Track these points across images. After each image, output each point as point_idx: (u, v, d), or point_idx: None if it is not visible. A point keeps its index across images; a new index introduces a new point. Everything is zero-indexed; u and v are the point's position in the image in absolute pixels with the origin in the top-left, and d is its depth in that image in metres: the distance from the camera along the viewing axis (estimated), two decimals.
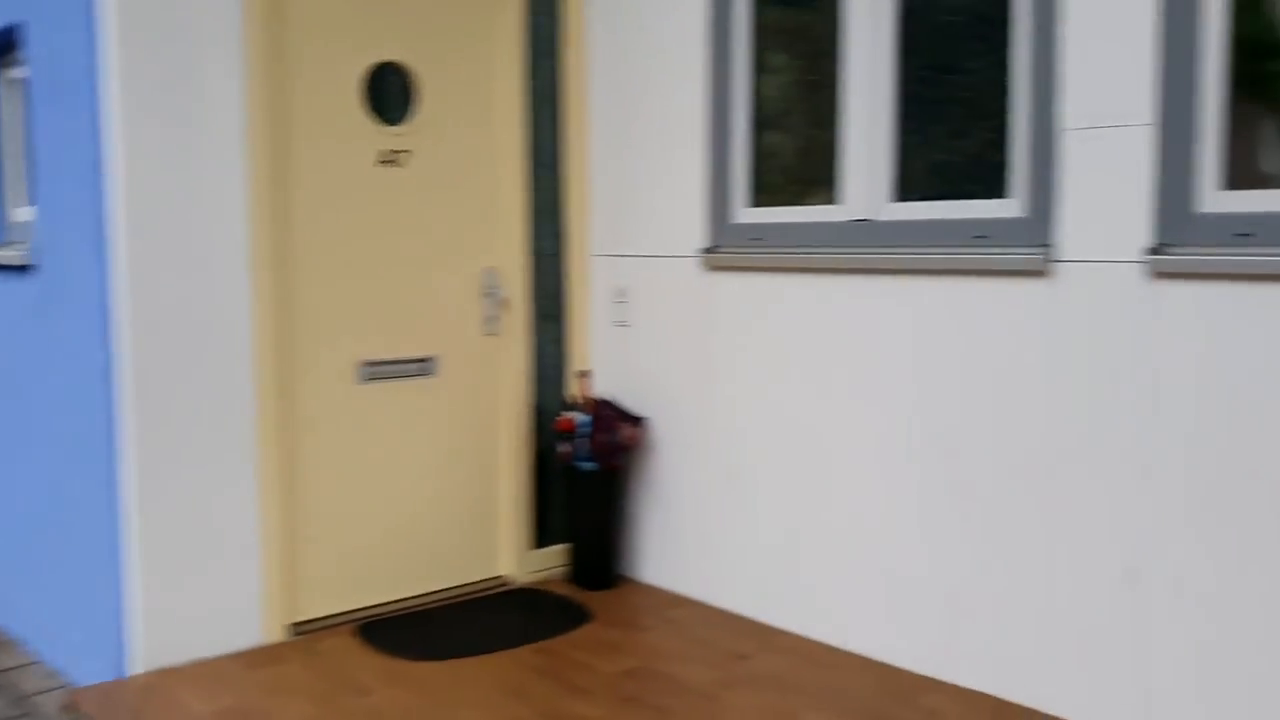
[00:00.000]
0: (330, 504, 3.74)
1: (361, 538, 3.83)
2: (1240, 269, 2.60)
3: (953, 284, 3.17)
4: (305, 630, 3.68)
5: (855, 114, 3.40)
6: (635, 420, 4.06)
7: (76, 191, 3.43)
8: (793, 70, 3.78)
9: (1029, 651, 3.06)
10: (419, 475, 3.96)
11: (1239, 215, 2.63)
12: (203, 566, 3.43)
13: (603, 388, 4.29)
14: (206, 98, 3.36)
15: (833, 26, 3.45)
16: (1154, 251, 2.75)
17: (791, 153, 3.79)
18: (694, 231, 3.89)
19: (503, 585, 4.15)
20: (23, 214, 4.25)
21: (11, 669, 3.86)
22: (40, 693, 3.62)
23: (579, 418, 4.06)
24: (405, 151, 3.85)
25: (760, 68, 3.74)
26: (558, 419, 4.15)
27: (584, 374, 4.23)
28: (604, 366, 4.29)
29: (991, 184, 3.12)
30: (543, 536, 4.27)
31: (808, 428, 3.58)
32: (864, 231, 3.40)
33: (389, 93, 3.82)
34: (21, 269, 3.93)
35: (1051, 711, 3.02)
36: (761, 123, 3.75)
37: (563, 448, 4.11)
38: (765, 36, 3.72)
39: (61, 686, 3.62)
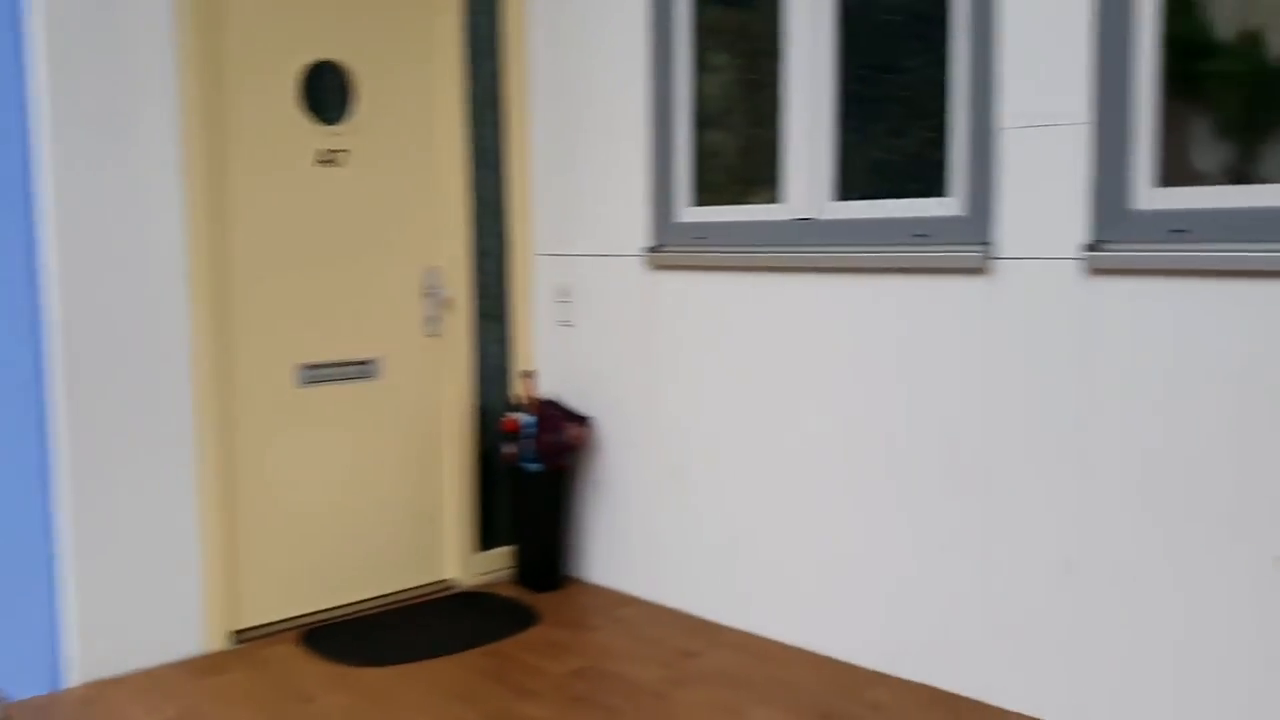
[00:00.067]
0: (272, 509, 3.69)
1: (304, 543, 3.78)
2: (1175, 265, 2.66)
3: (894, 282, 3.20)
4: (248, 638, 3.62)
5: (796, 113, 3.42)
6: (580, 420, 4.05)
7: (3, 192, 3.34)
8: (734, 69, 3.80)
9: (971, 643, 3.10)
10: (361, 479, 3.92)
11: (1173, 212, 2.69)
12: (141, 574, 3.36)
13: (547, 388, 4.28)
14: (139, 97, 3.29)
15: (773, 26, 3.47)
16: (1091, 248, 2.80)
17: (734, 152, 3.81)
18: (638, 230, 3.89)
19: (448, 589, 4.12)
20: None
21: None
22: None
23: (524, 418, 4.05)
24: (344, 151, 3.80)
25: (702, 67, 3.75)
26: (502, 420, 4.13)
27: (528, 374, 4.21)
28: (548, 366, 4.28)
29: (931, 183, 3.16)
30: (488, 539, 4.25)
31: (752, 426, 3.59)
32: (806, 230, 3.42)
33: (327, 92, 3.77)
34: None
35: (993, 702, 3.07)
36: (704, 122, 3.77)
37: (507, 449, 4.09)
38: (706, 36, 3.73)
39: None
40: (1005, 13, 2.91)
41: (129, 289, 3.30)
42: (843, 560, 3.38)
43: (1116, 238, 2.78)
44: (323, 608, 3.84)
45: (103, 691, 3.22)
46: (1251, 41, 2.66)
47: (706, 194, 3.76)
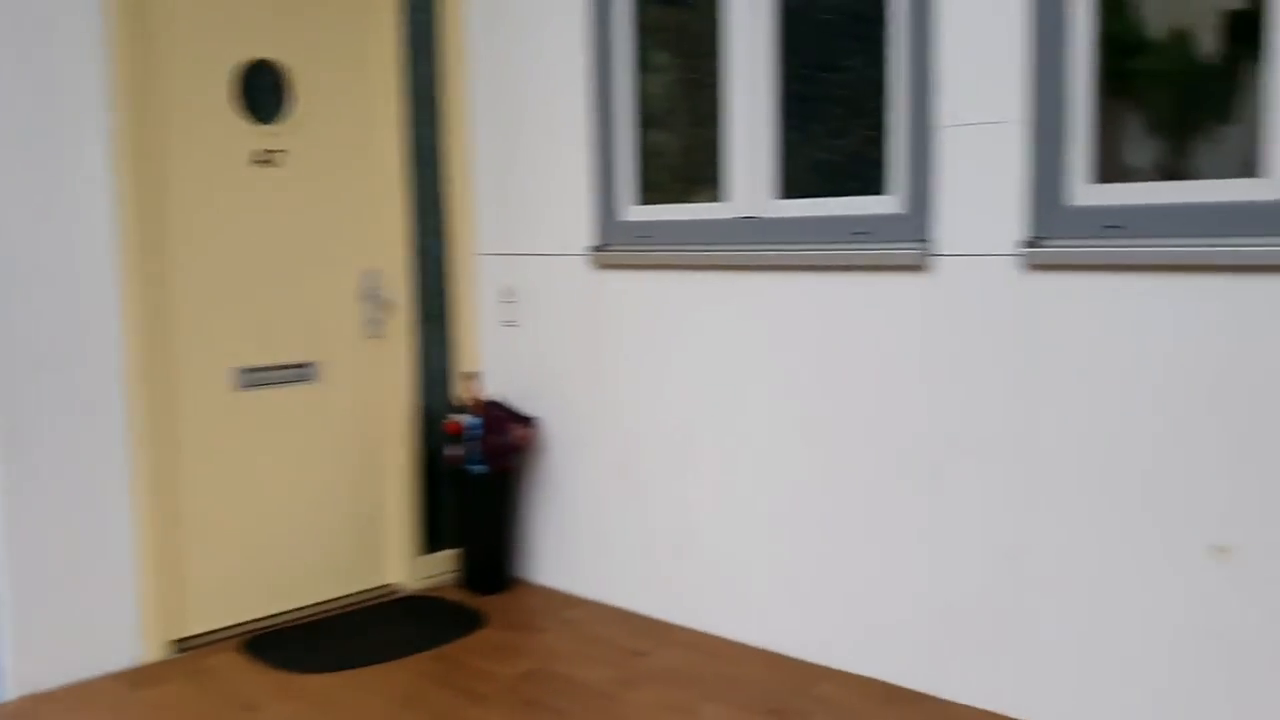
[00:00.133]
0: (211, 515, 3.63)
1: (245, 549, 3.72)
2: (1110, 260, 2.70)
3: (837, 279, 3.22)
4: (189, 647, 3.56)
5: (738, 112, 3.43)
6: (525, 421, 4.03)
7: None
8: (675, 69, 3.80)
9: (918, 636, 3.14)
10: (303, 484, 3.87)
11: (1108, 208, 2.73)
12: (76, 584, 3.28)
13: (492, 389, 4.25)
14: (66, 96, 3.21)
15: (713, 25, 3.47)
16: (1028, 245, 2.84)
17: (677, 151, 3.81)
18: (581, 229, 3.87)
19: (393, 593, 4.08)
20: None
21: None
22: None
23: (467, 420, 4.02)
24: (280, 151, 3.74)
25: (643, 66, 3.75)
26: (445, 422, 4.10)
27: (472, 375, 4.18)
28: (492, 367, 4.25)
29: (871, 181, 3.19)
30: (433, 542, 4.21)
31: (698, 424, 3.60)
32: (749, 229, 3.43)
33: (262, 91, 3.71)
34: None
35: (941, 695, 3.10)
36: (646, 121, 3.76)
37: (451, 451, 4.05)
38: (647, 35, 3.73)
39: None
40: (943, 12, 2.94)
41: (57, 294, 3.22)
42: (791, 556, 3.40)
43: (1053, 234, 2.82)
44: (265, 614, 3.78)
45: (36, 706, 3.14)
46: (1181, 40, 2.72)
47: (650, 193, 3.76)
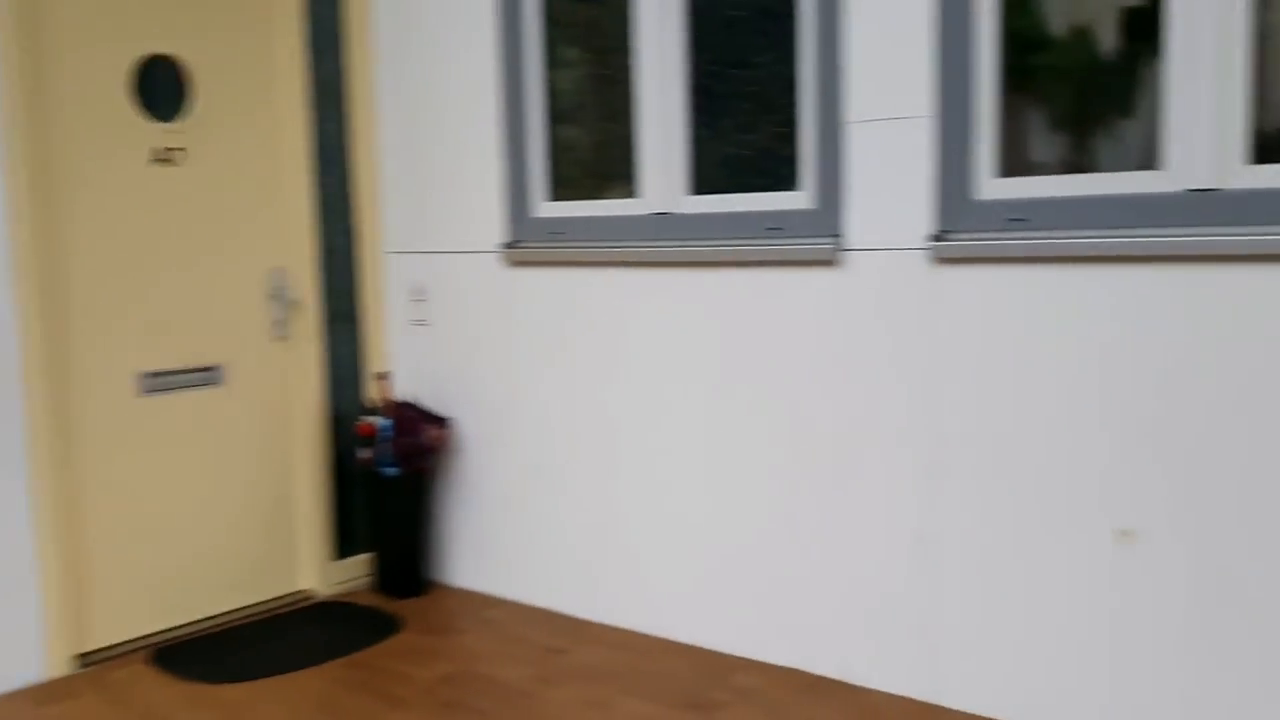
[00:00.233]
0: (116, 525, 3.52)
1: (152, 558, 3.62)
2: (1015, 252, 2.77)
3: (750, 275, 3.25)
4: (95, 660, 3.44)
5: (649, 108, 3.43)
6: (439, 421, 3.99)
7: None
8: (586, 64, 3.79)
9: (832, 624, 3.18)
10: (211, 490, 3.77)
11: (1012, 201, 2.80)
12: None
13: (404, 389, 4.19)
14: None
15: (622, 21, 3.47)
16: (936, 238, 2.89)
17: (588, 147, 3.80)
18: (493, 226, 3.84)
19: (306, 599, 4.00)
20: None
21: None
22: None
23: (379, 421, 3.96)
24: (180, 149, 3.64)
25: (553, 62, 3.73)
26: (357, 424, 4.04)
27: (383, 376, 4.12)
28: (404, 367, 4.20)
29: (783, 177, 3.22)
30: (346, 547, 4.14)
31: (613, 420, 3.60)
32: (663, 225, 3.44)
33: (160, 88, 3.61)
34: None
35: (856, 682, 3.15)
36: (557, 116, 3.75)
37: (363, 453, 3.99)
38: (556, 30, 3.71)
39: None
40: (850, 9, 2.98)
41: None
42: (707, 550, 3.42)
43: (960, 228, 2.88)
44: (175, 625, 3.68)
45: None
46: (1082, 37, 2.79)
47: (562, 189, 3.74)
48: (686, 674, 3.26)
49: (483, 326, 3.92)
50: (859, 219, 3.03)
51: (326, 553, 4.06)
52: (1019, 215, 2.79)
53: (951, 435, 2.92)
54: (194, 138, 3.67)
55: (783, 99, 3.19)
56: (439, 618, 3.80)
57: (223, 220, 3.77)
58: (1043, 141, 2.88)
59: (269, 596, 3.95)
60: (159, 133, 3.58)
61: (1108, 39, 2.77)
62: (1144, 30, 2.64)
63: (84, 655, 3.44)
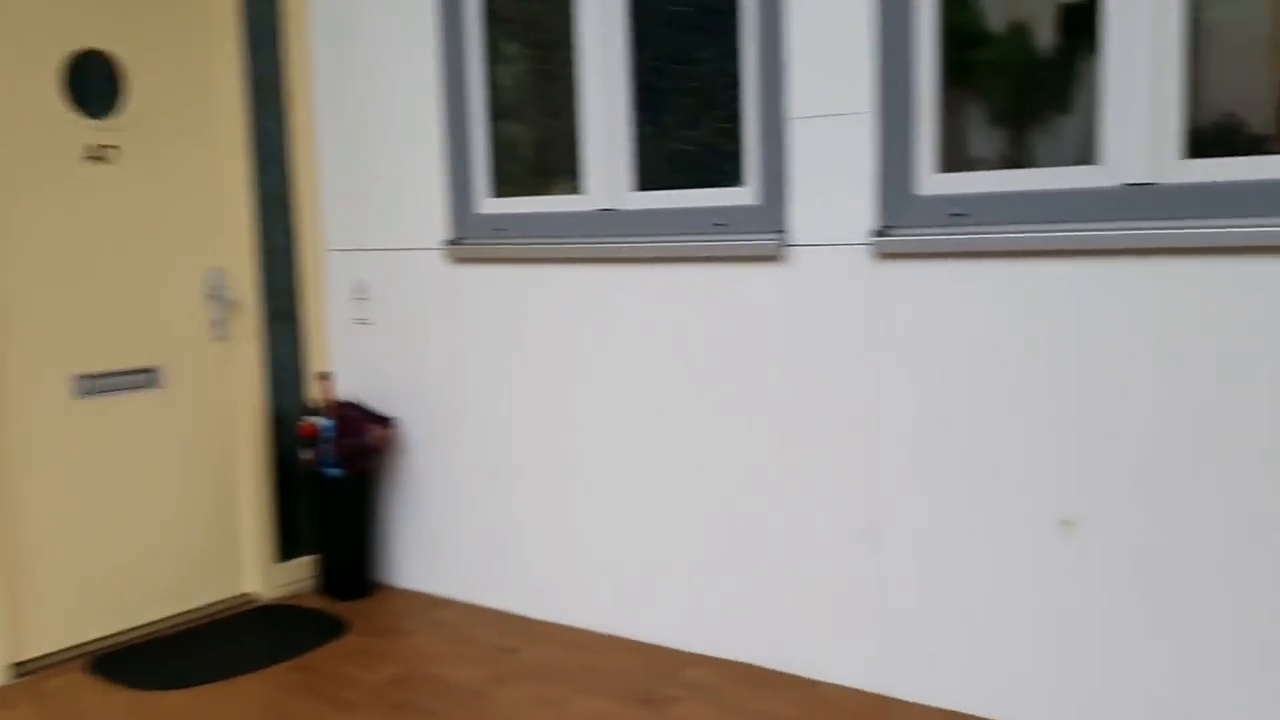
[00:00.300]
0: (52, 530, 3.44)
1: (90, 564, 3.54)
2: (955, 247, 2.81)
3: (696, 271, 3.26)
4: (31, 669, 3.37)
5: (592, 104, 3.43)
6: (383, 421, 3.95)
7: None
8: (528, 60, 3.77)
9: (779, 618, 3.20)
10: (150, 493, 3.70)
11: (953, 197, 2.83)
12: None
13: (346, 389, 4.15)
14: None
15: (565, 17, 3.46)
16: (878, 234, 2.92)
17: (532, 143, 3.79)
18: (435, 223, 3.81)
19: (249, 603, 3.95)
20: None
21: None
22: None
23: (321, 422, 3.91)
24: (114, 147, 3.57)
25: (495, 57, 3.70)
26: (299, 424, 3.99)
27: (325, 376, 4.07)
28: (346, 367, 4.15)
29: (727, 173, 3.23)
30: (290, 549, 4.09)
31: (560, 417, 3.59)
32: (608, 221, 3.43)
33: (93, 84, 3.53)
34: None
35: (805, 674, 3.17)
36: (500, 112, 3.73)
37: (305, 454, 3.94)
38: (498, 25, 3.69)
39: None
40: (791, 4, 3.00)
41: None
42: (656, 546, 3.43)
43: (902, 223, 2.91)
44: (114, 631, 3.61)
45: None
46: (1019, 32, 2.83)
47: (506, 185, 3.72)
48: (638, 670, 3.27)
49: (427, 325, 3.89)
50: (803, 215, 3.05)
51: (269, 555, 4.00)
52: (960, 210, 2.83)
53: (897, 429, 2.95)
54: (128, 135, 3.60)
55: (726, 95, 3.20)
56: (386, 619, 3.76)
57: (159, 219, 3.70)
58: (982, 137, 2.92)
59: (211, 600, 3.89)
60: (92, 130, 3.50)
61: (1045, 35, 2.81)
62: (1081, 26, 2.69)
63: (20, 664, 3.36)
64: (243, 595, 3.98)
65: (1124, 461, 2.64)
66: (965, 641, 2.91)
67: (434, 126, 3.76)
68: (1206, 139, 2.55)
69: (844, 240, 2.98)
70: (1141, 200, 2.57)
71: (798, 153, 3.04)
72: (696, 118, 3.34)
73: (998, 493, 2.82)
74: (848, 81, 2.93)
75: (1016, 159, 2.86)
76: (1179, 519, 2.58)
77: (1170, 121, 2.55)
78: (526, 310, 3.62)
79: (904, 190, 2.90)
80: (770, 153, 3.09)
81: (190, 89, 3.77)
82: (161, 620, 3.74)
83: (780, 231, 3.09)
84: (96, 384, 3.54)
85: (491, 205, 3.71)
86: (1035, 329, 2.73)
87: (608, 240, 3.41)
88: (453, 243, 3.76)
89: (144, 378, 3.67)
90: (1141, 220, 2.57)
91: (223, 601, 3.92)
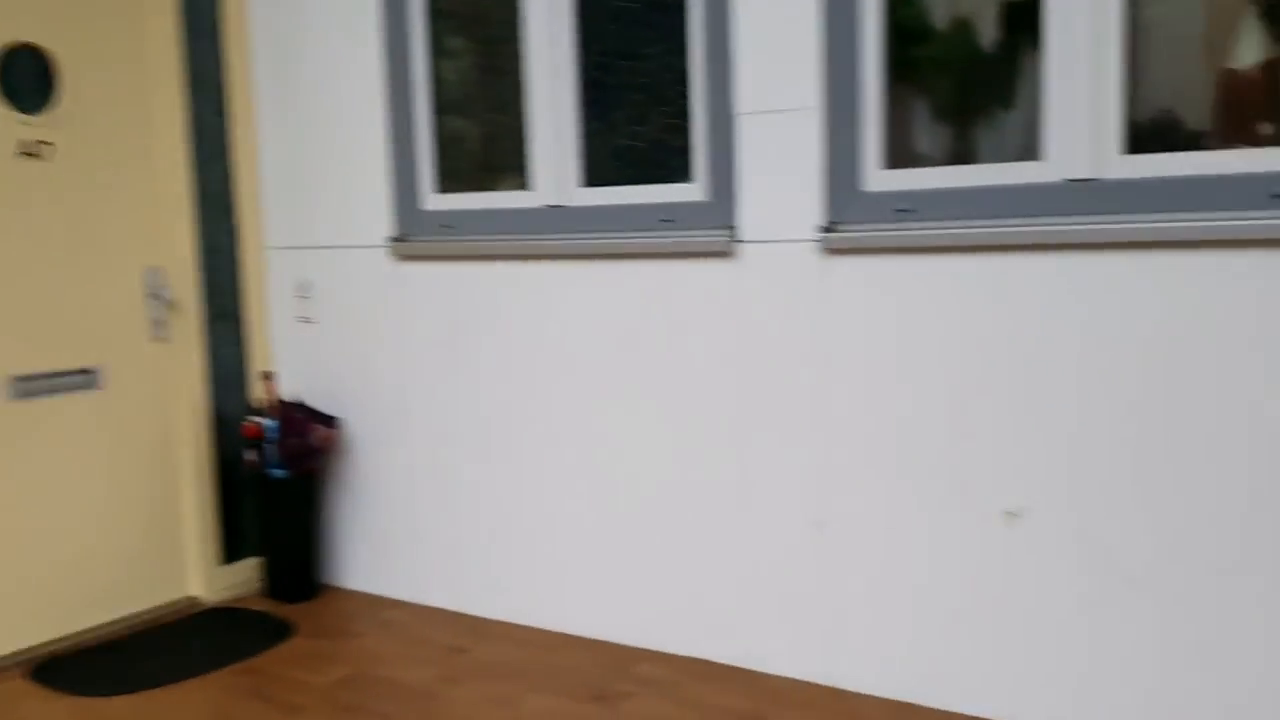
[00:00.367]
0: None
1: (28, 569, 3.46)
2: (902, 243, 2.83)
3: (644, 267, 3.26)
4: None
5: (539, 100, 3.41)
6: (328, 421, 3.90)
7: None
8: (474, 55, 3.74)
9: (730, 613, 3.22)
10: (89, 496, 3.62)
11: (899, 193, 2.86)
12: None
13: (291, 389, 4.09)
14: None
15: (511, 11, 3.44)
16: (826, 230, 2.94)
17: (478, 138, 3.76)
18: (380, 220, 3.77)
19: (194, 606, 3.88)
20: None
21: None
22: None
23: (265, 422, 3.86)
24: (48, 143, 3.49)
25: (440, 51, 3.67)
26: (242, 425, 3.93)
27: (268, 376, 4.01)
28: (290, 366, 4.09)
29: (676, 169, 3.23)
30: (235, 551, 4.03)
31: (508, 415, 3.57)
32: (556, 217, 3.42)
33: (25, 78, 3.44)
34: None
35: (755, 667, 3.19)
36: (446, 108, 3.70)
37: (249, 455, 3.89)
38: (443, 19, 3.66)
39: None
40: (738, 1, 3.01)
41: None
42: (606, 542, 3.43)
43: (849, 219, 2.93)
44: (54, 637, 3.53)
45: None
46: (963, 28, 2.87)
47: (452, 182, 3.69)
48: (590, 667, 3.27)
49: (372, 323, 3.85)
50: (751, 211, 3.06)
51: (213, 558, 3.94)
52: (906, 206, 2.86)
53: (846, 422, 2.98)
54: (63, 131, 3.52)
55: (674, 91, 3.20)
56: (334, 621, 3.72)
57: (96, 217, 3.62)
58: (928, 133, 2.96)
59: (154, 604, 3.82)
60: (25, 126, 3.42)
61: (988, 31, 2.85)
62: (1023, 23, 2.73)
63: None
64: (187, 598, 3.91)
65: (1068, 452, 2.69)
66: (914, 633, 2.94)
67: (378, 122, 3.73)
68: (1145, 135, 2.61)
69: (792, 236, 3.00)
70: (1083, 195, 2.62)
71: (746, 149, 3.05)
72: (644, 114, 3.34)
73: (944, 485, 2.86)
74: (795, 78, 2.95)
75: (961, 155, 2.89)
76: (1116, 506, 2.63)
77: (1111, 118, 2.60)
78: (473, 308, 3.60)
79: (851, 186, 2.92)
80: (718, 149, 3.10)
81: (127, 84, 3.69)
82: (103, 625, 3.67)
83: (729, 228, 3.10)
84: (32, 386, 3.46)
85: (437, 202, 3.69)
86: (980, 323, 2.76)
87: (555, 237, 3.40)
88: (398, 240, 3.72)
89: (82, 379, 3.60)
90: (1083, 215, 2.62)
91: (166, 605, 3.85)
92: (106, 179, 3.64)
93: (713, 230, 3.12)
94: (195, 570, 3.92)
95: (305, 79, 3.90)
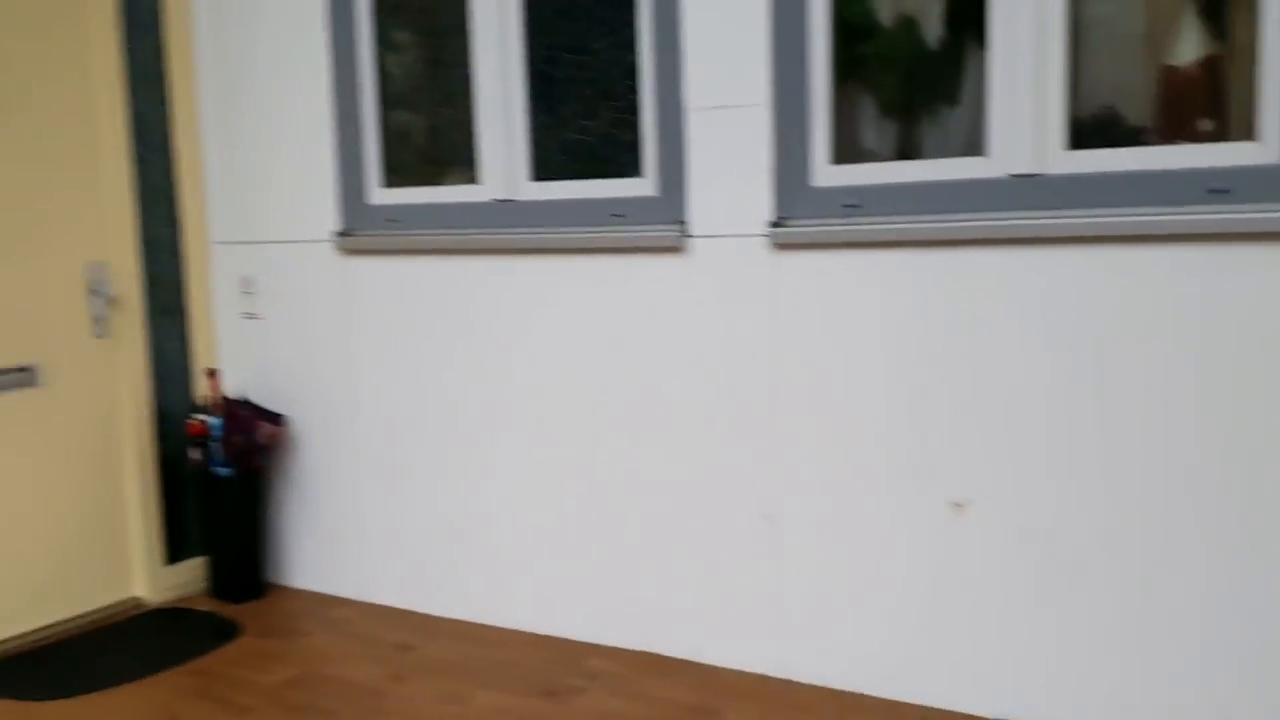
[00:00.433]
0: None
1: None
2: (850, 238, 2.85)
3: (595, 262, 3.25)
4: None
5: (486, 93, 3.39)
6: (274, 418, 3.86)
7: None
8: (421, 48, 3.71)
9: (683, 606, 3.22)
10: (28, 497, 3.55)
11: (847, 188, 2.88)
12: None
13: (236, 386, 4.04)
14: None
15: (458, 4, 3.42)
16: (775, 225, 2.95)
17: (425, 132, 3.73)
18: (326, 214, 3.73)
19: (138, 607, 3.82)
20: None
21: None
22: None
23: (210, 420, 3.81)
24: None
25: (387, 44, 3.64)
26: (186, 423, 3.87)
27: (212, 372, 3.96)
28: (235, 363, 4.04)
29: (626, 164, 3.23)
30: (179, 551, 3.96)
31: (456, 410, 3.55)
32: (505, 212, 3.41)
33: None
34: None
35: (705, 660, 3.20)
36: (393, 101, 3.66)
37: (194, 453, 3.84)
38: (389, 12, 3.62)
39: None
40: None
41: None
42: (554, 537, 3.42)
43: (798, 214, 2.95)
44: None
45: None
46: (908, 26, 2.89)
47: (399, 175, 3.66)
48: (539, 663, 3.26)
49: (318, 318, 3.81)
50: (701, 206, 3.07)
51: (157, 558, 3.88)
52: (853, 201, 2.87)
53: (795, 415, 3.00)
54: (1, 125, 3.45)
55: (623, 85, 3.20)
56: (280, 620, 3.68)
57: (34, 211, 3.54)
58: (875, 129, 2.98)
59: (97, 606, 3.75)
60: None
61: (933, 29, 2.87)
62: (968, 20, 2.76)
63: None
64: (130, 599, 3.85)
65: (1012, 443, 2.72)
66: (861, 624, 2.97)
67: (324, 115, 3.68)
68: (1087, 131, 2.64)
69: (742, 231, 3.01)
70: (1027, 191, 2.65)
71: (696, 144, 3.05)
72: (594, 108, 3.34)
73: (892, 477, 2.88)
74: (744, 74, 2.96)
75: (908, 151, 2.92)
76: (1063, 498, 2.67)
77: (1053, 114, 2.63)
78: (421, 303, 3.58)
79: (800, 182, 2.93)
80: (668, 144, 3.10)
81: (66, 77, 3.62)
82: (44, 628, 3.60)
83: (679, 222, 3.10)
84: None
85: (384, 196, 3.65)
86: (927, 318, 2.79)
87: (504, 231, 3.38)
88: (344, 234, 3.69)
89: (19, 376, 3.52)
90: (1027, 210, 2.65)
91: (110, 606, 3.79)
92: (45, 173, 3.57)
93: (663, 225, 3.13)
94: (139, 571, 3.85)
95: (250, 72, 3.84)
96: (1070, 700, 2.72)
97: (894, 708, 2.90)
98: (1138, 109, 2.67)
